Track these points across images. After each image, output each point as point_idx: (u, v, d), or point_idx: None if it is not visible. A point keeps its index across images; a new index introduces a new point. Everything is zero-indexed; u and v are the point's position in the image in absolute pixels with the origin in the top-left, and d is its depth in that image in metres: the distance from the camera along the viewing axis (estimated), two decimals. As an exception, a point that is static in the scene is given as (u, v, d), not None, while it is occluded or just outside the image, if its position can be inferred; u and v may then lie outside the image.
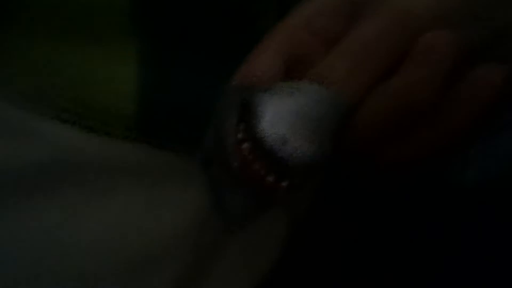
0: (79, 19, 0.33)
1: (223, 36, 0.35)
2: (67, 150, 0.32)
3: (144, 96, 0.33)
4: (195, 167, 0.33)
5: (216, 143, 0.27)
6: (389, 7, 0.27)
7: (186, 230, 0.34)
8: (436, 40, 0.27)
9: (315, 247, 0.40)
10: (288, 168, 0.25)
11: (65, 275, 0.31)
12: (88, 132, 0.32)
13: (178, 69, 0.34)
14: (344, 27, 0.29)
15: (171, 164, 0.34)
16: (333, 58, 0.28)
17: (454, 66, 0.27)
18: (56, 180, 0.32)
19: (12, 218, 0.32)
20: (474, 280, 0.37)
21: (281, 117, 0.26)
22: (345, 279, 0.40)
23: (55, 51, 0.33)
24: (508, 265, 0.36)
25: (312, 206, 0.38)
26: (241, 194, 0.27)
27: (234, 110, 0.27)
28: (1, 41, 0.34)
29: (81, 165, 0.32)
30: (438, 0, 0.28)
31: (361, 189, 0.34)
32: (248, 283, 0.36)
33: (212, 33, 0.35)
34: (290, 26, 0.30)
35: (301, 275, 0.40)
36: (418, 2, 0.28)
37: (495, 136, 0.33)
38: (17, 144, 0.32)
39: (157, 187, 0.33)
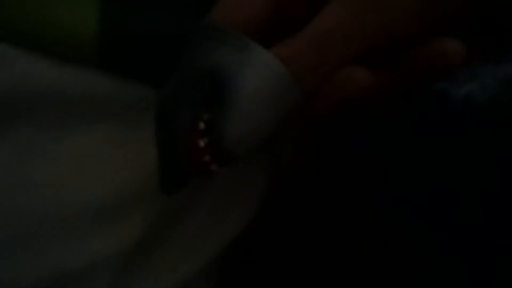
0: None
1: None
2: (28, 78, 0.30)
3: (107, 21, 0.31)
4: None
5: (174, 115, 0.27)
6: None
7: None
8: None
9: (295, 204, 0.38)
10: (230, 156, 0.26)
11: (16, 216, 0.29)
12: (50, 57, 0.30)
13: None
14: None
15: (134, 97, 0.31)
16: (302, 43, 0.26)
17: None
18: (13, 111, 0.30)
19: None
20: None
21: (246, 113, 0.26)
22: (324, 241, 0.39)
23: None
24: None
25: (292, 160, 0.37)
26: (178, 169, 0.27)
27: (198, 91, 0.26)
28: None
29: (40, 94, 0.30)
30: None
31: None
32: (222, 234, 0.34)
33: None
34: None
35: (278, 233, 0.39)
36: None
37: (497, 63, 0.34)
38: None
39: (120, 121, 0.31)
